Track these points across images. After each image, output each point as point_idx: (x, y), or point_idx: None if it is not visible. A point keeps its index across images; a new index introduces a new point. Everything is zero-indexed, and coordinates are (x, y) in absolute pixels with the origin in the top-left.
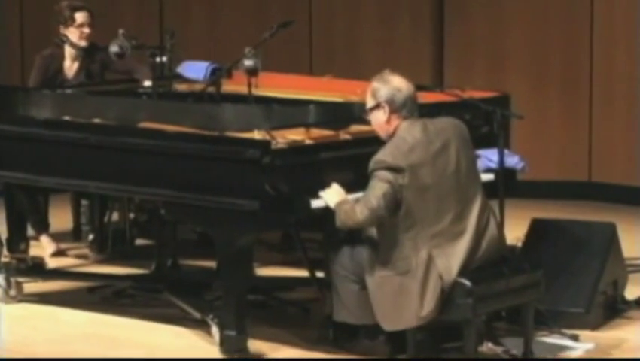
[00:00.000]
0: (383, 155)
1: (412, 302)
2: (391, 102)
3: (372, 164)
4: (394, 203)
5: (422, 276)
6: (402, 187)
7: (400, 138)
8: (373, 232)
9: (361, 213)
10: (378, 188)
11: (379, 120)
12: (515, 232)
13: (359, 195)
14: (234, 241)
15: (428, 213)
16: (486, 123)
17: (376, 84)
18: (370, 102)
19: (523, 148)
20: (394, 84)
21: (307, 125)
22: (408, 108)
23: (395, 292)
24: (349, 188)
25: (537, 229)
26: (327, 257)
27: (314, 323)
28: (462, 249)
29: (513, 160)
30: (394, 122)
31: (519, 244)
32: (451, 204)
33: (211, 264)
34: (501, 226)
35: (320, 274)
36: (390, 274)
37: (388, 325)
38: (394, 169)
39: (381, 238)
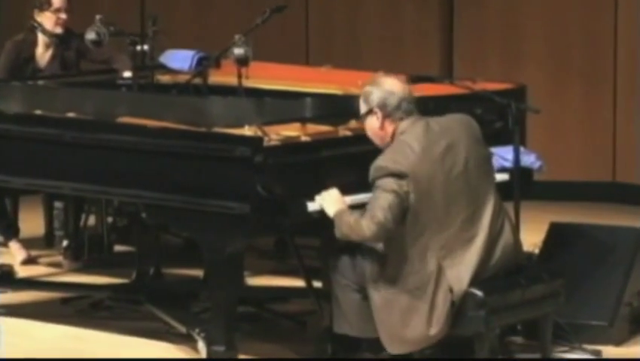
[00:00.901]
0: (383, 160)
1: (421, 322)
2: (383, 106)
3: (372, 171)
4: (402, 212)
5: (432, 292)
6: (407, 194)
7: (400, 141)
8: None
9: (368, 229)
10: (382, 199)
11: (372, 127)
12: (532, 238)
13: (360, 197)
14: (223, 248)
15: (436, 217)
16: (499, 118)
17: (367, 88)
18: (362, 108)
19: (541, 145)
20: (385, 87)
21: (303, 121)
22: (403, 110)
23: (403, 312)
24: (351, 189)
25: (556, 234)
26: (327, 265)
27: (310, 337)
28: (474, 256)
29: (529, 159)
30: (389, 127)
31: (537, 251)
32: (460, 208)
33: (197, 273)
34: (516, 230)
35: (317, 284)
36: (398, 291)
37: (395, 348)
38: (397, 175)
39: (388, 252)
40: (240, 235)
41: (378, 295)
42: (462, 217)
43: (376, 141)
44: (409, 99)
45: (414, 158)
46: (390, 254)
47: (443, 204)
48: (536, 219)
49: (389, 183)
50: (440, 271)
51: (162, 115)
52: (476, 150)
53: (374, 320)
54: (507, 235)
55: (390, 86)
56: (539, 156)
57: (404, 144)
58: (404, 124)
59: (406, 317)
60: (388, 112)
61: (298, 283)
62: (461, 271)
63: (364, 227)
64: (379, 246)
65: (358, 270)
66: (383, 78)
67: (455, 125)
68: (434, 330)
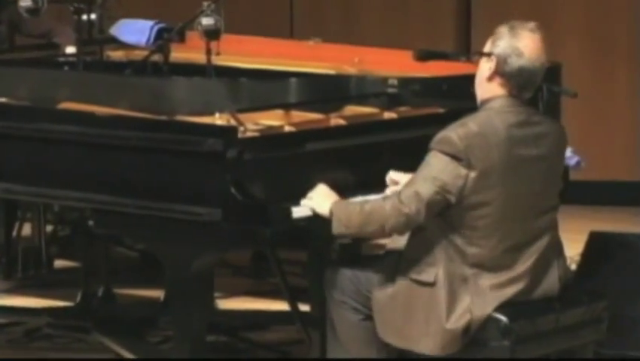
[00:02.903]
0: (456, 134)
1: (421, 319)
2: (502, 61)
3: (437, 139)
4: (441, 210)
5: (447, 296)
6: (460, 190)
7: (490, 121)
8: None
9: (393, 217)
10: (425, 188)
11: (481, 72)
12: (568, 250)
13: (358, 199)
14: (188, 263)
15: (482, 230)
16: (528, 103)
17: (503, 30)
18: (487, 46)
19: (578, 137)
20: (519, 44)
21: (287, 107)
22: (519, 83)
23: (407, 304)
24: (345, 191)
25: (598, 245)
26: (317, 279)
27: None
28: (511, 290)
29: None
30: (495, 88)
31: (573, 266)
32: (513, 232)
33: (157, 294)
34: (568, 271)
35: (304, 308)
36: (407, 281)
37: (392, 339)
38: (462, 160)
39: (411, 234)
40: (210, 247)
41: (382, 293)
42: (511, 243)
43: (477, 89)
44: (532, 74)
45: (494, 153)
46: (412, 238)
47: (498, 218)
48: (573, 227)
49: (446, 168)
50: (464, 281)
51: (113, 100)
52: (557, 173)
53: (376, 343)
54: (551, 279)
55: (524, 46)
56: (576, 151)
57: (494, 131)
58: (504, 101)
59: (408, 309)
60: (503, 71)
61: (280, 306)
62: (487, 297)
63: (388, 211)
64: (388, 256)
65: (359, 285)
66: (527, 32)
67: (553, 137)
68: (451, 324)
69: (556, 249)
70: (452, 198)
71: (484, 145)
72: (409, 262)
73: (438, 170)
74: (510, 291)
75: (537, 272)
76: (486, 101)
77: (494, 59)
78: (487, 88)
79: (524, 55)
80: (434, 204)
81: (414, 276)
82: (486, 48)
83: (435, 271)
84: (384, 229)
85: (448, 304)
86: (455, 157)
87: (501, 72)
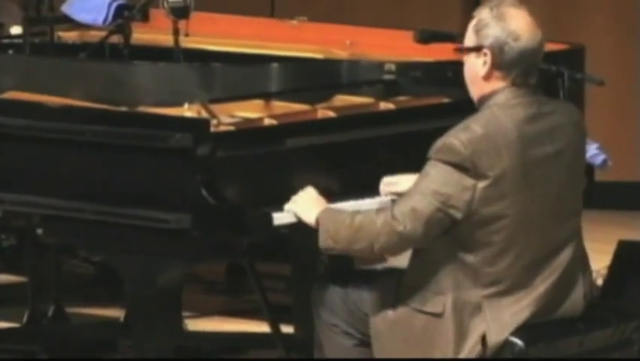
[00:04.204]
0: (461, 141)
1: (443, 348)
2: (498, 51)
3: (437, 147)
4: (442, 230)
5: (462, 321)
6: (467, 205)
7: (495, 120)
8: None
9: (385, 234)
10: (424, 203)
11: (474, 70)
12: (594, 263)
13: (349, 204)
14: (153, 278)
15: (498, 244)
16: (546, 92)
17: (485, 16)
18: (469, 39)
19: (605, 132)
20: (511, 25)
21: (267, 96)
22: (522, 70)
23: (417, 330)
24: (335, 194)
25: (627, 256)
26: (302, 297)
27: None
28: (529, 309)
29: (589, 151)
30: (495, 83)
31: (600, 281)
32: (532, 245)
33: (116, 313)
34: (594, 287)
35: (287, 329)
36: (409, 309)
37: None
38: (467, 170)
39: (413, 255)
40: (177, 259)
41: (381, 319)
42: (530, 258)
43: (470, 88)
44: (537, 56)
45: (504, 156)
46: (414, 260)
47: (514, 231)
48: (599, 236)
49: (449, 180)
50: (477, 309)
51: (65, 88)
52: (578, 170)
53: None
54: (576, 298)
55: (518, 27)
56: (602, 147)
57: (502, 131)
58: (509, 93)
59: (410, 339)
60: (502, 63)
61: (259, 327)
62: (504, 321)
63: (379, 227)
64: (384, 271)
65: (352, 306)
66: (512, 10)
67: (570, 126)
68: (463, 355)
69: (580, 262)
70: (458, 214)
71: (492, 149)
72: (412, 289)
73: (440, 182)
74: (528, 312)
75: (559, 290)
76: (487, 97)
77: (487, 52)
78: (485, 85)
79: (521, 37)
80: (434, 222)
81: (417, 306)
82: (470, 42)
83: (442, 300)
84: (373, 248)
85: (456, 338)
86: (459, 166)
87: (499, 64)
